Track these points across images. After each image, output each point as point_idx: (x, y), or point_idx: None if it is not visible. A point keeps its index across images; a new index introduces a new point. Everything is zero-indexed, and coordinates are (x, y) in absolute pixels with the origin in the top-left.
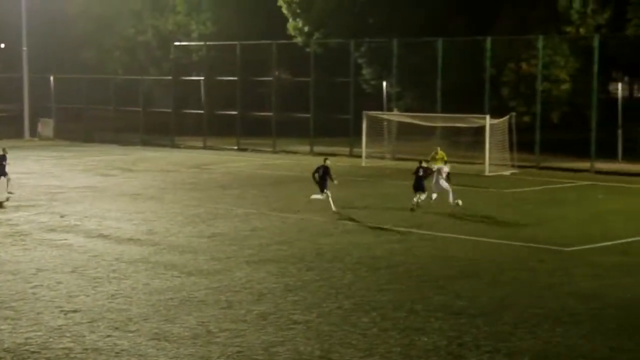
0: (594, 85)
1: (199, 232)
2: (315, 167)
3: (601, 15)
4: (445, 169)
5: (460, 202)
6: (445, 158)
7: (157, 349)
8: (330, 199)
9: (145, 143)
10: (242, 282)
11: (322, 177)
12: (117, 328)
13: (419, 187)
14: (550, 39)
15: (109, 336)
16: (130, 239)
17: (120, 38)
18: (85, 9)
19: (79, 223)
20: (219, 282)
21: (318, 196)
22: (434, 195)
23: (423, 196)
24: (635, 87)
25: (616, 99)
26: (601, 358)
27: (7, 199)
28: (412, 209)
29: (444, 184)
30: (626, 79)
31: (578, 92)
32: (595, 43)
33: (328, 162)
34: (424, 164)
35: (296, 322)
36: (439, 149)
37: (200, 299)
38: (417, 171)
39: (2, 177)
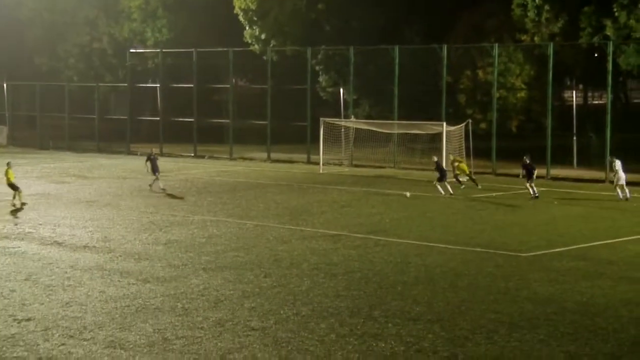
0: (549, 93)
1: (155, 239)
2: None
3: (555, 24)
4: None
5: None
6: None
7: (113, 357)
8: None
9: (101, 150)
10: (198, 289)
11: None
12: (71, 336)
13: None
14: (505, 47)
15: (63, 344)
16: (85, 246)
17: (74, 45)
18: (38, 15)
19: (32, 230)
20: (175, 289)
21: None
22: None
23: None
24: (590, 94)
25: (571, 106)
26: None
27: None
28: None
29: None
30: (580, 86)
31: (533, 100)
32: (550, 51)
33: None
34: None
35: (253, 329)
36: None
37: (156, 306)
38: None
39: None
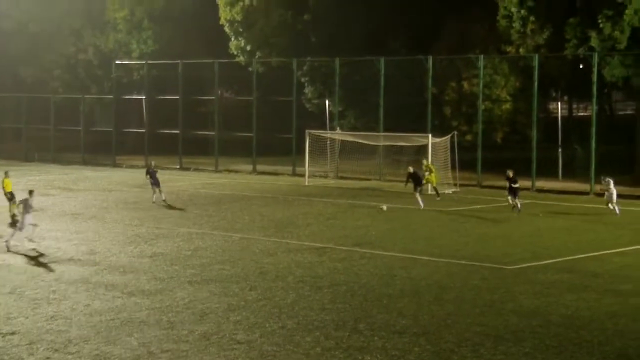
0: (534, 105)
1: (141, 252)
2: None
3: (540, 36)
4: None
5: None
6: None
7: None
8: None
9: (86, 162)
10: (184, 302)
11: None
12: (56, 350)
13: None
14: (490, 59)
15: (48, 358)
16: (70, 259)
17: (60, 56)
18: (24, 26)
19: (17, 243)
20: (161, 302)
21: None
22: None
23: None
24: (575, 106)
25: (556, 118)
26: None
27: None
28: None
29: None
30: (565, 98)
31: (519, 112)
32: (535, 63)
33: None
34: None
35: (239, 342)
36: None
37: (141, 320)
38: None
39: None
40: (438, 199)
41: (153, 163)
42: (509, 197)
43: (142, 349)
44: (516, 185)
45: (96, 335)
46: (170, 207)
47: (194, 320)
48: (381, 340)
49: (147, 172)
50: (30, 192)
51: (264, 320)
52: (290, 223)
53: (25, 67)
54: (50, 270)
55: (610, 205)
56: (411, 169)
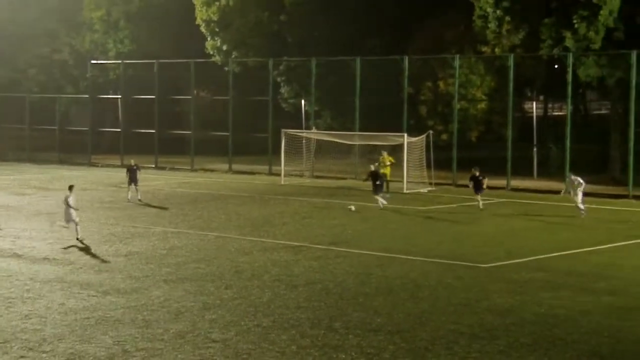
0: (510, 104)
1: (116, 251)
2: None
3: (516, 36)
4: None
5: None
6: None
7: None
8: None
9: (62, 162)
10: (159, 300)
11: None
12: (31, 349)
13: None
14: (466, 59)
15: (22, 357)
16: (45, 258)
17: (35, 56)
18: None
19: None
20: (136, 301)
21: None
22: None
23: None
24: (550, 105)
25: (531, 118)
26: None
27: None
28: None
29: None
30: (540, 97)
31: (494, 111)
32: (510, 62)
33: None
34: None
35: (214, 341)
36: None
37: (116, 318)
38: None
39: None
40: (388, 196)
41: (133, 161)
42: (477, 196)
43: (117, 347)
44: (482, 183)
45: (71, 334)
46: (146, 205)
47: (169, 318)
48: (356, 339)
49: (128, 170)
50: (70, 188)
51: (240, 319)
52: (266, 222)
53: (0, 67)
54: (25, 269)
55: (579, 204)
56: (373, 167)
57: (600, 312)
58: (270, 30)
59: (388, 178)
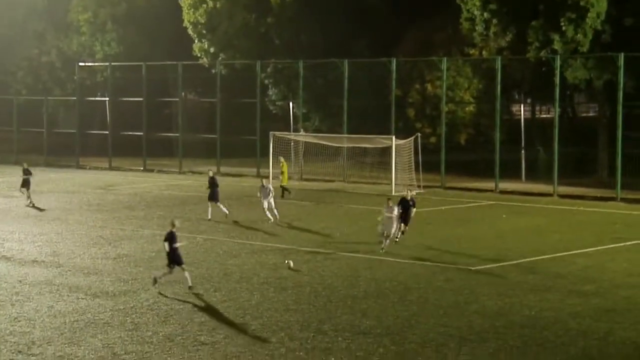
0: (497, 107)
1: (104, 254)
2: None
3: (503, 38)
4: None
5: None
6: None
7: None
8: None
9: (50, 164)
10: (148, 303)
11: None
12: (19, 351)
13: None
14: (454, 61)
15: None
16: (34, 261)
17: (23, 59)
18: None
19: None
20: (125, 303)
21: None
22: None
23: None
24: (538, 108)
25: (519, 120)
26: None
27: None
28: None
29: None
30: (528, 100)
31: (482, 114)
32: (498, 65)
33: None
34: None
35: (203, 343)
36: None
37: (105, 321)
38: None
39: None
40: (291, 196)
41: (25, 164)
42: (402, 224)
43: (106, 350)
44: (411, 212)
45: (60, 337)
46: (134, 208)
47: (158, 321)
48: (345, 341)
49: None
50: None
51: (228, 322)
52: (255, 224)
53: None
54: (14, 272)
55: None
56: (211, 173)
57: (589, 315)
58: (258, 32)
59: (284, 183)
